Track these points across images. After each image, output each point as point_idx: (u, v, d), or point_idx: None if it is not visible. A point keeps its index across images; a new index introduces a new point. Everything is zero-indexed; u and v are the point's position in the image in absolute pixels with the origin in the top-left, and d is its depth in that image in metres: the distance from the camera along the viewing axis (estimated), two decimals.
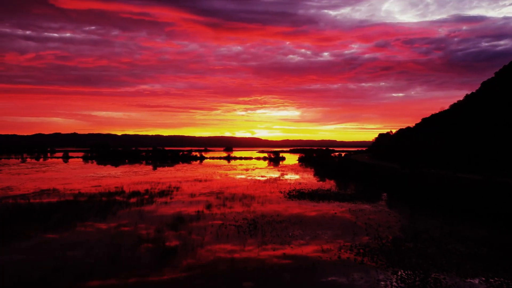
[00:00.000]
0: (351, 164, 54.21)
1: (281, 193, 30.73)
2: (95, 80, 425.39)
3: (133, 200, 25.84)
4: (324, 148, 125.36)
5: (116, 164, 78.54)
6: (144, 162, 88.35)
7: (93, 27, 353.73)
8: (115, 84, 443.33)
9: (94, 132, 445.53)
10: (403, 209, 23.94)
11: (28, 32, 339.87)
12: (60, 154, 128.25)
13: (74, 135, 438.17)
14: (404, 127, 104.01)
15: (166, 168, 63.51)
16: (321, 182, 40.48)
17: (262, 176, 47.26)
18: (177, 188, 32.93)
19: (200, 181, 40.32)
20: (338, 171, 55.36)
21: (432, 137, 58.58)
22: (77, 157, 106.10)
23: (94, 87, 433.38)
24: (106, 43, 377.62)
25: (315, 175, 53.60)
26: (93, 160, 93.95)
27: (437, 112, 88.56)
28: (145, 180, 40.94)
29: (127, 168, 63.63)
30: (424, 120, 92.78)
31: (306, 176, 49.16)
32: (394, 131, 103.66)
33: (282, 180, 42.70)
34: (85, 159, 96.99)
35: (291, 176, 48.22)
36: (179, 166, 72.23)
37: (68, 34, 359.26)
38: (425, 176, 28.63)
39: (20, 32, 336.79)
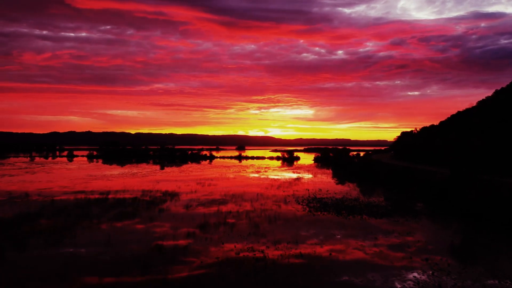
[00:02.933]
0: (377, 166, 47.77)
1: (299, 203, 24.82)
2: (110, 79, 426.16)
3: (110, 214, 20.37)
4: (340, 148, 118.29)
5: (121, 163, 74.15)
6: (151, 161, 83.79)
7: (108, 27, 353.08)
8: (129, 83, 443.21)
9: (108, 131, 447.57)
10: (466, 234, 17.70)
11: (45, 32, 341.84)
12: (73, 153, 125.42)
13: (88, 134, 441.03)
14: (427, 125, 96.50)
15: (171, 169, 58.35)
16: (343, 187, 34.36)
17: (275, 180, 41.43)
18: (172, 196, 27.39)
19: (203, 186, 34.76)
20: (360, 174, 49.03)
21: (469, 136, 51.57)
22: (83, 156, 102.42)
23: (109, 86, 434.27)
24: (121, 43, 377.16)
25: (333, 177, 47.60)
26: (99, 159, 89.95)
27: (463, 109, 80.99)
28: (140, 183, 35.68)
29: (129, 168, 58.76)
30: (453, 116, 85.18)
31: (325, 179, 43.09)
32: (418, 129, 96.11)
33: (298, 184, 36.76)
34: (90, 158, 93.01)
35: (308, 179, 42.22)
36: (187, 166, 67.11)
37: (84, 34, 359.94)
38: (490, 186, 22.18)
39: (37, 32, 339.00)
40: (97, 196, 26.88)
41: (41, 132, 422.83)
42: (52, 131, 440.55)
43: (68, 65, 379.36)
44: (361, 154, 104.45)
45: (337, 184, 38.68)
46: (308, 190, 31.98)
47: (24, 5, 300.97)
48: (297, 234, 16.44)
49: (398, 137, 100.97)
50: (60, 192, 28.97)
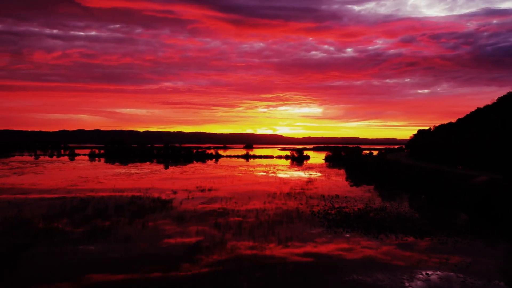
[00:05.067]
0: (397, 167, 43.12)
1: (314, 215, 20.52)
2: (120, 77, 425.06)
3: (79, 231, 16.32)
4: (351, 146, 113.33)
5: (123, 162, 70.80)
6: (155, 161, 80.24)
7: (117, 25, 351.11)
8: (138, 81, 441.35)
9: (117, 129, 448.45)
10: None
11: (55, 31, 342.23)
12: (75, 151, 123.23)
13: (97, 132, 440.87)
14: (445, 123, 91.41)
15: (173, 169, 54.49)
16: (363, 193, 29.87)
17: (285, 183, 37.11)
18: (164, 205, 23.30)
19: (204, 191, 30.64)
20: (378, 175, 44.47)
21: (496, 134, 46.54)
22: (85, 155, 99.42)
23: (118, 84, 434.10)
24: (130, 41, 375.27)
25: (348, 178, 43.37)
26: (101, 158, 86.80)
27: (483, 106, 75.73)
28: (133, 187, 31.75)
29: (128, 168, 55.08)
30: (472, 114, 79.95)
31: (340, 181, 38.68)
32: (435, 125, 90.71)
33: (311, 188, 32.41)
34: (92, 157, 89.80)
35: (322, 182, 37.81)
36: (191, 166, 63.26)
37: (93, 33, 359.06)
38: None
39: (47, 31, 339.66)
40: (76, 203, 22.99)
41: (50, 130, 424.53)
42: (62, 129, 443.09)
43: (78, 63, 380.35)
44: (374, 153, 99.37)
45: (353, 187, 34.36)
46: (324, 196, 27.62)
47: (34, 4, 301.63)
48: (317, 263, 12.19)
49: (414, 135, 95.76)
50: (37, 198, 25.14)
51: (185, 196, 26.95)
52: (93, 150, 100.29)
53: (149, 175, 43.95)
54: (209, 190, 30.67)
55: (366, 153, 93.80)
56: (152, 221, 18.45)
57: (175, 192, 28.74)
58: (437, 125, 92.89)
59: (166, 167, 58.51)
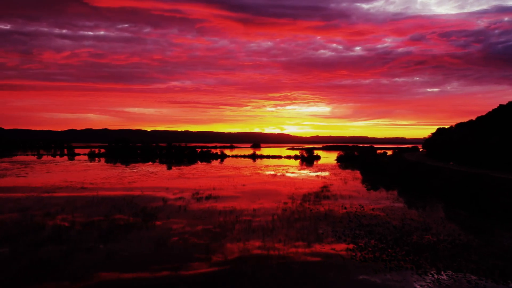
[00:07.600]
0: (423, 170, 37.86)
1: (340, 237, 15.55)
2: (128, 77, 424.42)
3: (21, 265, 11.73)
4: (367, 145, 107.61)
5: (124, 162, 66.92)
6: (158, 160, 76.10)
7: (126, 25, 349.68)
8: (146, 80, 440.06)
9: (124, 128, 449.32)
10: None
11: (64, 31, 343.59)
12: (79, 150, 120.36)
13: (105, 131, 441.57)
14: (465, 121, 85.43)
15: (171, 171, 49.99)
16: (391, 202, 24.76)
17: (296, 188, 32.16)
18: (147, 220, 18.58)
19: (201, 199, 25.92)
20: (402, 179, 39.34)
21: None
22: (85, 154, 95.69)
23: (126, 83, 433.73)
24: (138, 41, 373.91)
25: (365, 181, 38.66)
26: (101, 158, 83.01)
27: (506, 102, 69.92)
28: (120, 193, 27.18)
29: (124, 170, 50.75)
30: (494, 111, 74.13)
31: (359, 186, 33.68)
32: (457, 122, 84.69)
33: (328, 196, 27.39)
34: (91, 156, 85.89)
35: (339, 187, 32.76)
36: (194, 166, 58.89)
37: (102, 32, 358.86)
38: None
39: (56, 31, 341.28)
40: (36, 219, 18.41)
41: (59, 130, 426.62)
42: (70, 128, 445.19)
43: (87, 63, 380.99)
44: (387, 153, 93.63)
45: (375, 192, 29.55)
46: (345, 207, 22.62)
47: (44, 4, 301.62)
48: None
49: (433, 134, 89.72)
50: None
51: (176, 207, 22.24)
52: (93, 149, 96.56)
53: (143, 177, 39.36)
54: (207, 198, 25.89)
55: (379, 153, 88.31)
56: (123, 248, 13.72)
57: (166, 201, 24.06)
58: (457, 122, 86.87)
59: (167, 168, 54.11)
